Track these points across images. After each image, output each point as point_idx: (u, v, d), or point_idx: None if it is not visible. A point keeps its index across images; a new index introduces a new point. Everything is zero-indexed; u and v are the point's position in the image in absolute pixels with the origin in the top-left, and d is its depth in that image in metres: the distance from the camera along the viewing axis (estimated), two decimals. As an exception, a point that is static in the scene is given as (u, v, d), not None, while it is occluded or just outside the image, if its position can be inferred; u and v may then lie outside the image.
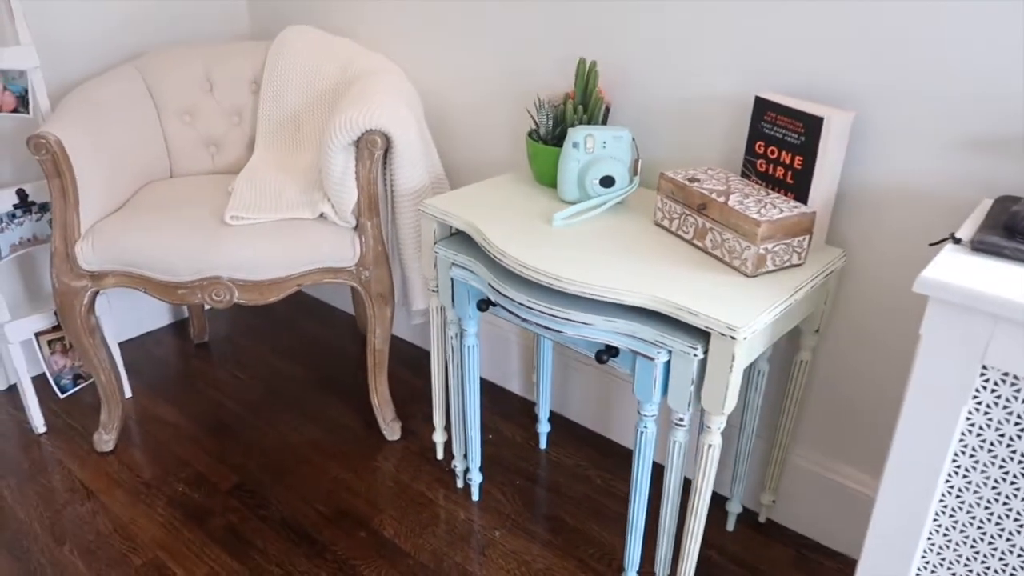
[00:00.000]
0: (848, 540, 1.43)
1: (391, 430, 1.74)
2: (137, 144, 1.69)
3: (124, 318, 2.09)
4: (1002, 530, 0.94)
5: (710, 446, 1.10)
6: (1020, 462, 0.89)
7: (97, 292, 1.53)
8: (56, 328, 1.73)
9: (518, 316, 1.19)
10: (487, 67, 1.64)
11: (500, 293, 1.19)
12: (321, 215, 1.53)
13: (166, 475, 1.62)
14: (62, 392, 1.80)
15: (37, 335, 1.70)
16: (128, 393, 1.87)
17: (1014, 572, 0.95)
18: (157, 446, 1.70)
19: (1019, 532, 0.93)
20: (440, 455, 1.67)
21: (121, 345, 2.07)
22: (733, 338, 0.98)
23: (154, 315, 2.17)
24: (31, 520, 1.49)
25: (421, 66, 1.76)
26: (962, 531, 0.97)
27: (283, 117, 1.81)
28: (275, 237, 1.48)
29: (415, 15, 1.73)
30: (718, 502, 1.53)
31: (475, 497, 1.56)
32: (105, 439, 1.67)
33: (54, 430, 1.74)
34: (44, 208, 1.71)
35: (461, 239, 1.34)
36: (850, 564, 1.41)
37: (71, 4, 1.79)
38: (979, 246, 0.91)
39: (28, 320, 1.67)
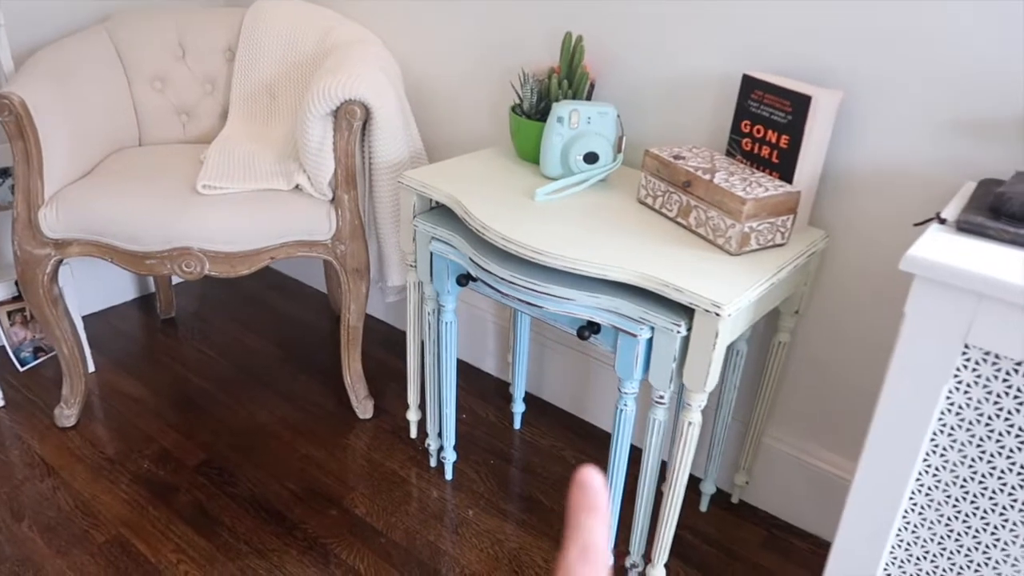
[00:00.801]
0: (819, 521, 1.44)
1: (363, 408, 1.71)
2: (105, 109, 1.64)
3: (88, 291, 2.03)
4: (976, 508, 0.95)
5: (690, 423, 1.09)
6: (998, 441, 0.90)
7: (61, 261, 1.48)
8: (17, 299, 1.67)
9: (499, 291, 1.17)
10: (470, 39, 1.61)
11: (481, 268, 1.17)
12: (297, 187, 1.49)
13: (130, 451, 1.57)
14: (22, 365, 1.74)
15: (-4, 305, 1.65)
16: (91, 367, 1.82)
17: (986, 551, 0.96)
18: (121, 422, 1.65)
19: (993, 511, 0.94)
20: (414, 434, 1.65)
21: (85, 319, 2.01)
22: (718, 315, 0.97)
23: (119, 289, 2.11)
24: (-12, 495, 1.45)
25: (401, 37, 1.73)
26: (937, 510, 0.98)
27: (258, 87, 1.76)
28: (249, 208, 1.44)
29: (396, -14, 1.69)
30: (692, 483, 1.53)
31: (448, 476, 1.55)
32: (67, 414, 1.62)
33: (13, 404, 1.69)
34: (5, 173, 1.64)
35: (440, 213, 1.32)
36: (821, 544, 1.43)
37: (36, -38, 1.72)
38: (964, 226, 0.91)
39: (-13, 289, 1.61)
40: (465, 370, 1.90)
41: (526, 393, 1.82)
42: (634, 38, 1.37)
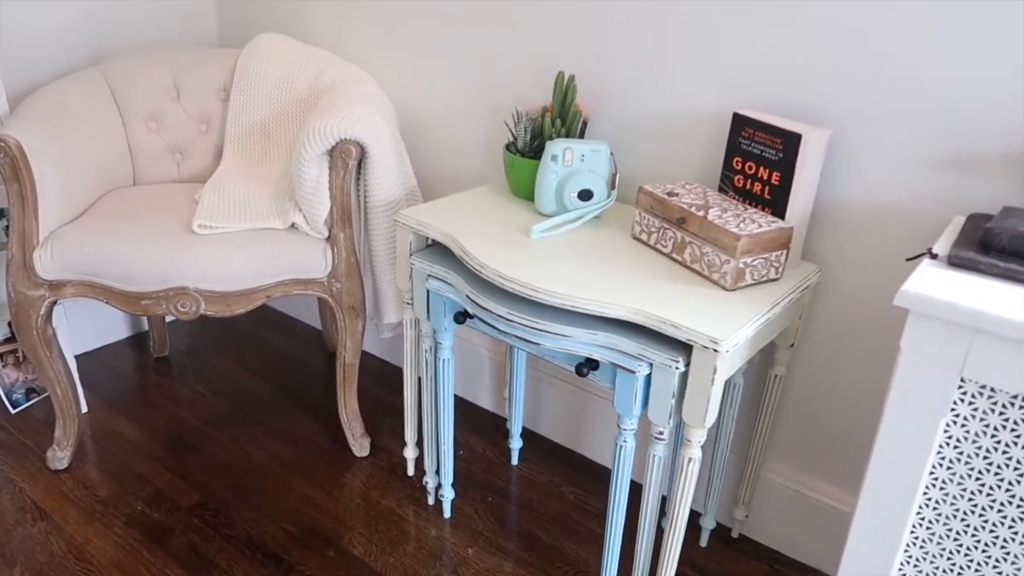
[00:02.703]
0: (820, 554, 1.43)
1: (360, 446, 1.70)
2: (100, 150, 1.64)
3: (81, 330, 2.02)
4: (978, 542, 0.95)
5: (690, 460, 1.09)
6: (996, 474, 0.90)
7: (55, 302, 1.47)
8: (9, 340, 1.66)
9: (497, 328, 1.18)
10: (463, 78, 1.63)
11: (478, 305, 1.18)
12: (292, 225, 1.50)
13: (124, 493, 1.55)
14: (14, 407, 1.73)
15: (-12, 347, 1.64)
16: (84, 408, 1.80)
17: (990, 584, 0.96)
18: (114, 463, 1.64)
19: (994, 543, 0.94)
20: (411, 471, 1.64)
21: (77, 358, 2.00)
22: (716, 350, 0.98)
23: (112, 327, 2.10)
24: (-22, 541, 1.42)
25: (396, 76, 1.75)
26: (939, 543, 0.98)
27: (253, 126, 1.78)
28: (244, 247, 1.45)
29: (389, 24, 1.71)
30: (691, 518, 1.53)
31: (447, 514, 1.54)
32: (59, 456, 1.60)
33: (4, 447, 1.66)
34: (0, 214, 1.64)
35: (436, 251, 1.32)
36: (822, 579, 1.42)
37: (33, 3, 1.74)
38: (956, 261, 0.93)
39: (-21, 331, 1.60)
40: (461, 405, 1.89)
41: (523, 428, 1.82)
42: (626, 76, 1.40)
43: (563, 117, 1.38)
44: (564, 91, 1.37)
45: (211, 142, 1.81)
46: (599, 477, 1.67)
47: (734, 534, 1.51)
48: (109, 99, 1.72)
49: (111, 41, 1.90)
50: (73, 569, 1.37)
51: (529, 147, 1.40)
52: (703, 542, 1.49)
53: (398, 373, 2.02)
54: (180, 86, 1.78)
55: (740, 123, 1.21)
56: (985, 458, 0.91)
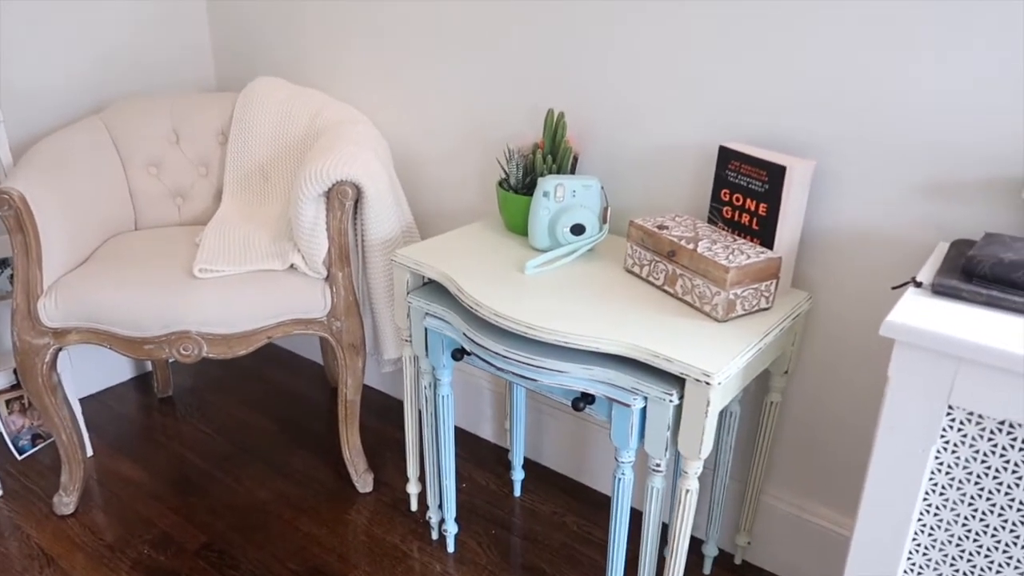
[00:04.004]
0: (823, 579, 1.44)
1: (363, 482, 1.71)
2: (102, 197, 1.67)
3: (85, 373, 2.04)
4: (973, 567, 0.96)
5: (687, 491, 1.10)
6: (988, 499, 0.92)
7: (60, 349, 1.49)
8: (15, 387, 1.68)
9: (493, 365, 1.19)
10: (456, 117, 1.66)
11: (475, 343, 1.20)
12: (291, 266, 1.52)
13: (130, 537, 1.56)
14: (20, 453, 1.74)
15: (-6, 394, 1.65)
16: (89, 452, 1.82)
17: (988, 608, 0.97)
18: (120, 506, 1.65)
19: (989, 568, 0.95)
20: (414, 506, 1.65)
21: (81, 401, 2.01)
22: (708, 383, 1.00)
23: (116, 369, 2.12)
24: (-14, 589, 1.43)
25: (390, 116, 1.79)
26: (935, 570, 0.99)
27: (251, 168, 1.81)
28: (245, 289, 1.47)
29: (383, 65, 1.75)
30: (694, 545, 1.53)
31: (451, 549, 1.54)
32: (65, 501, 1.62)
33: (11, 493, 1.68)
34: (4, 263, 1.67)
35: (433, 288, 1.35)
36: (826, 603, 1.43)
37: (33, 56, 1.78)
38: (939, 289, 0.95)
39: (-15, 379, 1.62)
40: (463, 437, 1.91)
41: (525, 459, 1.83)
42: (614, 112, 1.43)
43: (554, 153, 1.41)
44: (554, 128, 1.40)
45: (211, 185, 1.85)
46: (602, 506, 1.68)
47: (737, 561, 1.51)
48: (110, 146, 1.75)
49: (112, 89, 1.94)
50: (81, 615, 1.38)
51: (521, 183, 1.43)
52: (706, 570, 1.49)
53: (399, 405, 2.03)
54: (179, 131, 1.82)
55: (726, 156, 1.24)
56: (976, 483, 0.92)
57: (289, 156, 1.78)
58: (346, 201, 1.48)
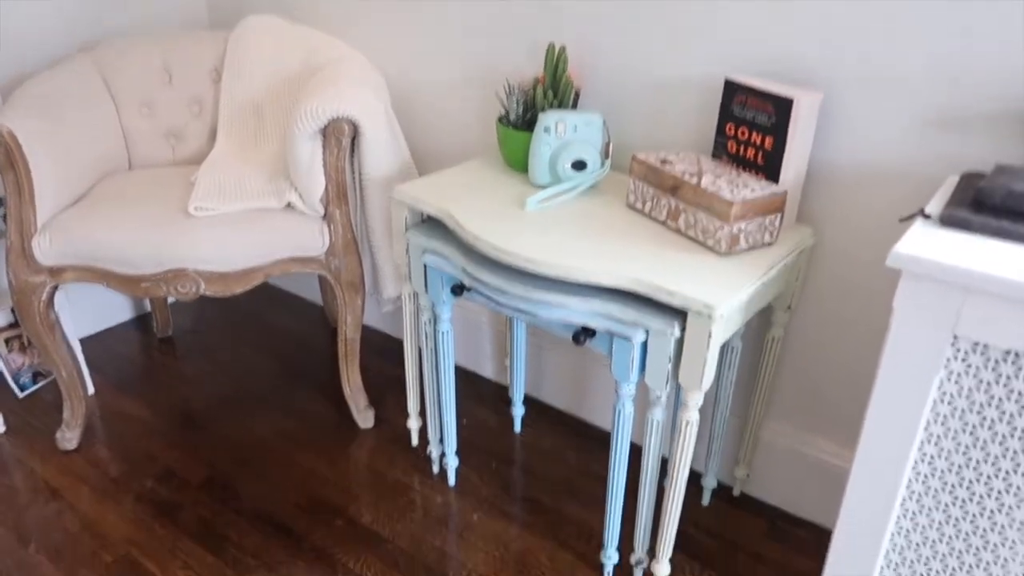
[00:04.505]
0: (819, 510, 1.46)
1: (364, 418, 1.72)
2: (94, 136, 1.64)
3: (84, 313, 2.03)
4: (972, 494, 0.97)
5: (688, 423, 1.11)
6: (990, 428, 0.92)
7: (56, 287, 1.48)
8: (13, 325, 1.67)
9: (493, 300, 1.19)
10: (454, 52, 1.62)
11: (475, 278, 1.19)
12: (288, 204, 1.50)
13: (134, 471, 1.58)
14: (22, 391, 1.75)
15: (-7, 333, 1.65)
16: (91, 390, 1.82)
17: (984, 535, 0.99)
18: (123, 443, 1.66)
19: (988, 496, 0.96)
20: (415, 441, 1.66)
21: (82, 341, 2.01)
22: (710, 316, 0.99)
23: (115, 310, 2.11)
24: (-6, 523, 1.45)
25: (386, 52, 1.74)
26: (934, 497, 1.00)
27: (245, 107, 1.77)
28: (242, 227, 1.45)
29: (378, 0, 1.70)
30: (693, 477, 1.55)
31: (451, 482, 1.56)
32: (68, 437, 1.63)
33: (14, 430, 1.69)
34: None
35: (432, 224, 1.33)
36: (822, 533, 1.45)
37: (18, -11, 1.72)
38: (948, 220, 0.94)
39: (-17, 317, 1.62)
40: (463, 375, 1.91)
41: (525, 395, 1.84)
42: (617, 46, 1.39)
43: (555, 88, 1.37)
44: (555, 62, 1.36)
45: (205, 124, 1.81)
46: (601, 441, 1.70)
47: (735, 492, 1.54)
48: (101, 85, 1.71)
49: (101, 28, 1.88)
50: (88, 545, 1.40)
51: (522, 119, 1.40)
52: (705, 501, 1.52)
53: (399, 345, 2.04)
54: (171, 70, 1.77)
55: (732, 89, 1.21)
56: (979, 412, 0.92)
57: (284, 94, 1.74)
58: (342, 138, 1.46)
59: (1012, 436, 0.91)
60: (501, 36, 1.53)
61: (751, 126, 1.19)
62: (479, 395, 1.85)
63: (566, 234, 1.17)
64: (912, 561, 1.07)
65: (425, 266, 1.31)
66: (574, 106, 1.41)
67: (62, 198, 1.50)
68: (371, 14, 1.73)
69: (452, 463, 1.54)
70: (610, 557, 1.32)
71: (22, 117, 1.41)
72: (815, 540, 1.44)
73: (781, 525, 1.47)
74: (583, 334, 1.12)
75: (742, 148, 1.22)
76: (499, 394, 1.85)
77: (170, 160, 1.80)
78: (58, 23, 1.80)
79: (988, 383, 0.90)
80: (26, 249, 1.43)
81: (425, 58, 1.68)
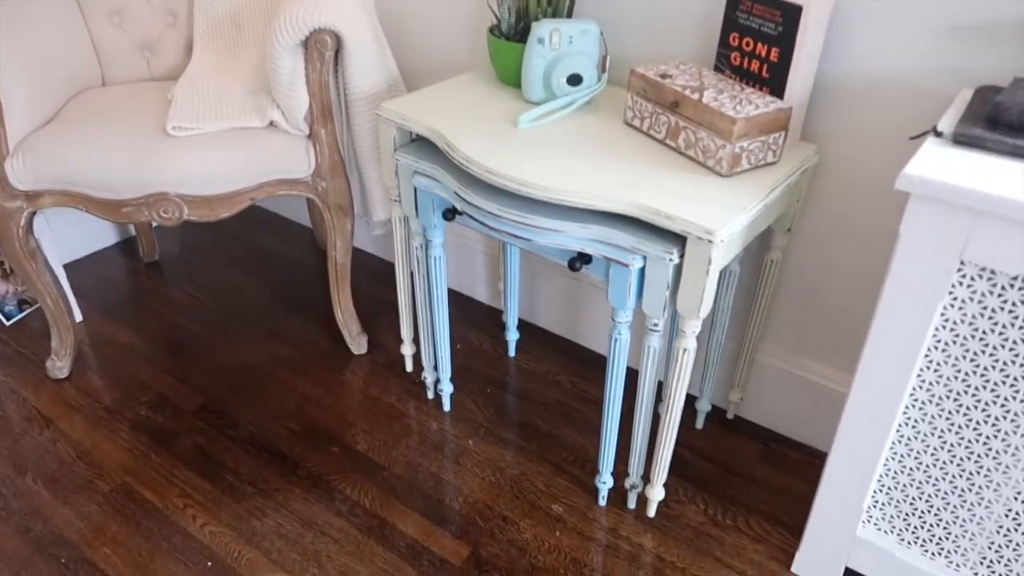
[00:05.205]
0: (813, 432, 1.47)
1: (357, 344, 1.71)
2: (63, 49, 1.55)
3: (67, 239, 1.99)
4: (969, 420, 0.96)
5: (685, 350, 1.09)
6: (991, 355, 0.90)
7: (34, 213, 1.43)
8: (-7, 252, 1.63)
9: (486, 225, 1.15)
10: (441, -43, 1.52)
11: (467, 202, 1.14)
12: (271, 123, 1.44)
13: (127, 399, 1.57)
14: (7, 319, 1.72)
15: (-27, 260, 1.61)
16: (78, 317, 1.80)
17: (979, 460, 0.98)
18: (114, 370, 1.65)
19: (986, 421, 0.95)
20: (409, 367, 1.65)
21: (66, 267, 1.97)
22: (711, 242, 0.96)
23: (99, 234, 2.07)
24: (-11, 451, 1.45)
25: (369, -43, 1.63)
26: (930, 422, 0.99)
27: (222, 16, 1.67)
28: (224, 148, 1.39)
29: (359, -101, 1.58)
30: (687, 401, 1.55)
31: (446, 407, 1.56)
32: (59, 366, 1.61)
33: (3, 359, 1.67)
34: (-35, 123, 1.57)
35: (423, 144, 1.27)
36: (814, 454, 1.46)
37: None
38: (961, 139, 0.89)
39: (-39, 245, 1.57)
40: (457, 299, 1.89)
41: (519, 320, 1.82)
42: (615, -53, 1.30)
43: (549, -5, 1.29)
44: (549, -34, 1.28)
45: (180, 36, 1.72)
46: (596, 365, 1.69)
47: (729, 415, 1.54)
48: (66, -8, 1.61)
49: (61, -73, 1.76)
50: (84, 474, 1.40)
51: (514, 29, 1.33)
52: (699, 424, 1.52)
53: (391, 268, 2.01)
54: (140, -25, 1.67)
55: (737, -5, 1.13)
56: (981, 339, 0.90)
57: (263, 2, 1.64)
58: (325, 51, 1.38)
59: (1014, 363, 0.89)
60: (491, -60, 1.44)
61: (756, 36, 1.12)
62: (473, 319, 1.83)
63: (561, 154, 1.12)
64: (905, 485, 1.07)
65: (415, 189, 1.26)
66: (569, 14, 1.33)
67: (34, 117, 1.43)
68: (352, -84, 1.61)
69: (447, 389, 1.53)
70: (605, 482, 1.33)
71: (-17, 32, 1.33)
72: (808, 462, 1.45)
73: (774, 447, 1.48)
74: (579, 260, 1.09)
75: (746, 60, 1.15)
76: (493, 318, 1.83)
77: (145, 75, 1.72)
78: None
79: (993, 310, 0.87)
80: (0, 173, 1.37)
81: (411, -35, 1.58)
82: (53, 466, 1.42)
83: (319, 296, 1.90)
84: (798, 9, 1.06)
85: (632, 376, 1.53)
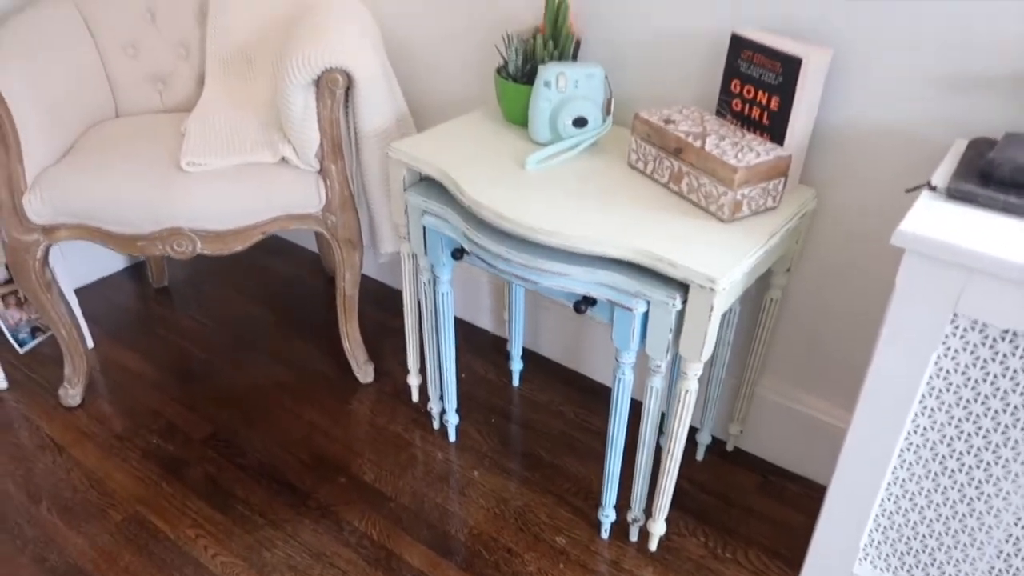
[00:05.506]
0: (811, 465, 1.49)
1: (364, 373, 1.74)
2: (78, 83, 1.59)
3: (78, 264, 2.02)
4: (962, 465, 0.99)
5: (686, 392, 1.12)
6: (983, 403, 0.93)
7: (50, 245, 1.47)
8: (8, 281, 1.66)
9: (494, 267, 1.18)
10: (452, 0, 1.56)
11: (475, 243, 1.18)
12: (283, 159, 1.47)
13: (138, 427, 1.60)
14: (21, 346, 1.75)
15: (-11, 289, 1.64)
16: (90, 343, 1.83)
17: (971, 503, 1.01)
18: (125, 397, 1.68)
19: (978, 467, 0.98)
20: (415, 397, 1.68)
21: (77, 292, 2.00)
22: (712, 289, 0.99)
23: (109, 260, 2.10)
24: (3, 477, 1.47)
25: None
26: (925, 466, 1.02)
27: (233, 49, 1.71)
28: (236, 183, 1.43)
29: (370, -61, 1.62)
30: (688, 434, 1.57)
31: (452, 438, 1.59)
32: (71, 394, 1.64)
33: (16, 385, 1.70)
34: (-17, 155, 1.61)
35: (432, 183, 1.31)
36: (812, 487, 1.49)
37: (-10, -72, 1.64)
38: (955, 194, 0.92)
39: (-23, 274, 1.60)
40: (462, 327, 1.92)
41: (524, 349, 1.85)
42: (619, -6, 1.34)
43: (555, 39, 1.33)
44: (556, 11, 1.31)
45: (193, 68, 1.75)
46: (598, 395, 1.72)
47: (729, 448, 1.57)
48: (81, 27, 1.64)
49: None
50: (97, 503, 1.43)
51: (521, 71, 1.36)
52: (699, 456, 1.55)
53: (397, 295, 2.04)
54: (154, 9, 1.71)
55: (739, 45, 1.17)
56: (973, 388, 0.93)
57: (273, 36, 1.68)
58: (336, 89, 1.41)
59: (1004, 411, 0.92)
60: (499, -17, 1.47)
61: (757, 84, 1.16)
62: (478, 348, 1.85)
63: (568, 197, 1.15)
64: (901, 525, 1.09)
65: (424, 227, 1.29)
66: (574, 58, 1.37)
67: (50, 151, 1.47)
68: (363, -44, 1.66)
69: (452, 420, 1.56)
70: (608, 515, 1.35)
71: (2, 67, 1.36)
72: (806, 495, 1.47)
73: (773, 480, 1.51)
74: (584, 303, 1.12)
75: (747, 107, 1.19)
76: (497, 346, 1.86)
77: (158, 107, 1.75)
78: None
79: (985, 360, 0.90)
80: (17, 207, 1.41)
81: (421, 4, 1.61)
82: (67, 494, 1.44)
83: (326, 323, 1.93)
84: (798, 61, 1.09)
85: (635, 406, 1.55)
